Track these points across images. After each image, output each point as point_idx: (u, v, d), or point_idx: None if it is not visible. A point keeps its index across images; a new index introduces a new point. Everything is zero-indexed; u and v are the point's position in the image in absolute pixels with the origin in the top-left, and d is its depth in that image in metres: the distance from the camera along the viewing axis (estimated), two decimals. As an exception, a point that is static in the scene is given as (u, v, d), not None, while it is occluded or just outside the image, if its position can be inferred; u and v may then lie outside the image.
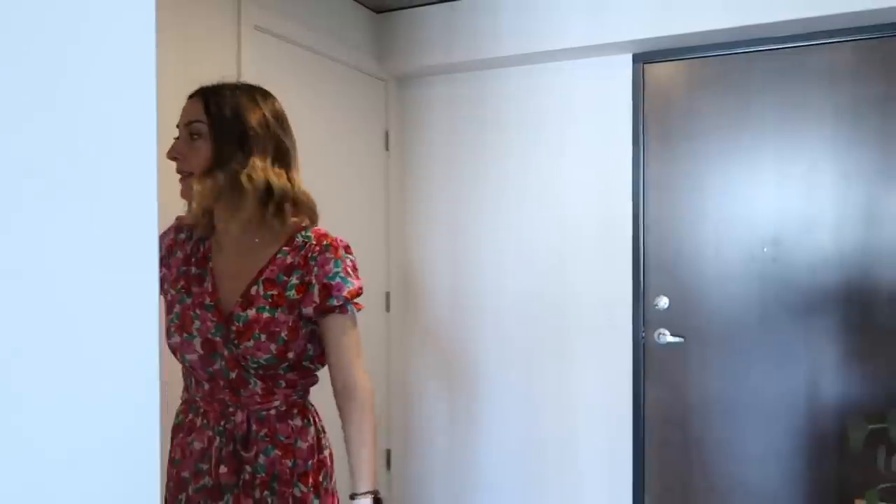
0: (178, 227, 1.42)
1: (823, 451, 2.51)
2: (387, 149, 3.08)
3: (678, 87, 2.71)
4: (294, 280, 1.31)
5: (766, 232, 2.57)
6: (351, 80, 2.84)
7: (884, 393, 2.41)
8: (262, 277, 1.32)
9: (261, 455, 1.31)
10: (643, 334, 2.76)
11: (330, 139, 2.71)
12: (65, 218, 0.43)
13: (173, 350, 1.34)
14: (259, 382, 1.31)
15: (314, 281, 1.31)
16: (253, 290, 1.31)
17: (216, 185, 1.26)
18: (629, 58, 2.74)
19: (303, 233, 1.35)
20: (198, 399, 1.35)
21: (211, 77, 2.17)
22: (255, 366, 1.29)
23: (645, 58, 2.73)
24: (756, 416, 2.60)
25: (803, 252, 2.52)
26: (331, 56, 2.69)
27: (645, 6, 2.55)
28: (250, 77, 2.25)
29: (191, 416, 1.35)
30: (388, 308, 3.12)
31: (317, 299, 1.30)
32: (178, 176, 1.31)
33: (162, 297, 1.40)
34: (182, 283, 1.35)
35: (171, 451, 1.40)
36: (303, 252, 1.33)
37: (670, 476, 2.74)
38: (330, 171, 2.71)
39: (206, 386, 1.33)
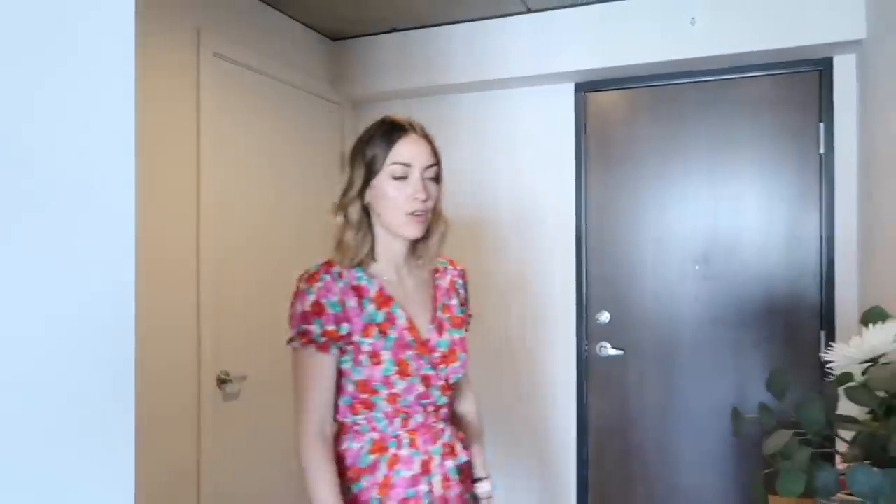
0: (331, 275, 1.34)
1: (749, 453, 2.68)
2: (342, 170, 3.19)
3: (618, 115, 2.89)
4: (454, 301, 1.48)
5: (698, 250, 2.76)
6: (307, 104, 2.95)
7: (804, 400, 2.59)
8: (439, 302, 1.45)
9: (463, 460, 1.44)
10: (586, 348, 2.91)
11: (287, 160, 2.82)
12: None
13: (391, 399, 1.33)
14: (449, 396, 1.45)
15: (463, 301, 1.51)
16: (438, 315, 1.43)
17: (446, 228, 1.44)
18: (572, 86, 2.91)
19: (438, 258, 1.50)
20: (400, 433, 1.35)
21: (172, 102, 2.30)
22: (452, 383, 1.43)
23: (586, 87, 2.91)
24: (690, 423, 2.76)
25: (731, 269, 2.71)
26: (288, 81, 2.80)
27: (585, 40, 2.73)
28: (209, 102, 2.35)
29: (391, 451, 1.34)
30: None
31: (466, 318, 1.52)
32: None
33: (336, 354, 1.34)
34: (375, 329, 1.33)
35: (360, 493, 1.34)
36: (448, 276, 1.50)
37: (613, 481, 2.88)
38: (287, 191, 2.80)
39: (420, 418, 1.37)
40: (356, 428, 1.35)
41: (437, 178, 1.39)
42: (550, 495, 2.93)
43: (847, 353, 1.13)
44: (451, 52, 2.95)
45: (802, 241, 2.63)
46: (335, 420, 1.37)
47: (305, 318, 1.30)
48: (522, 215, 2.99)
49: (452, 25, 2.93)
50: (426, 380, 1.36)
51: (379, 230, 1.38)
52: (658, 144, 2.82)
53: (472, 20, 2.89)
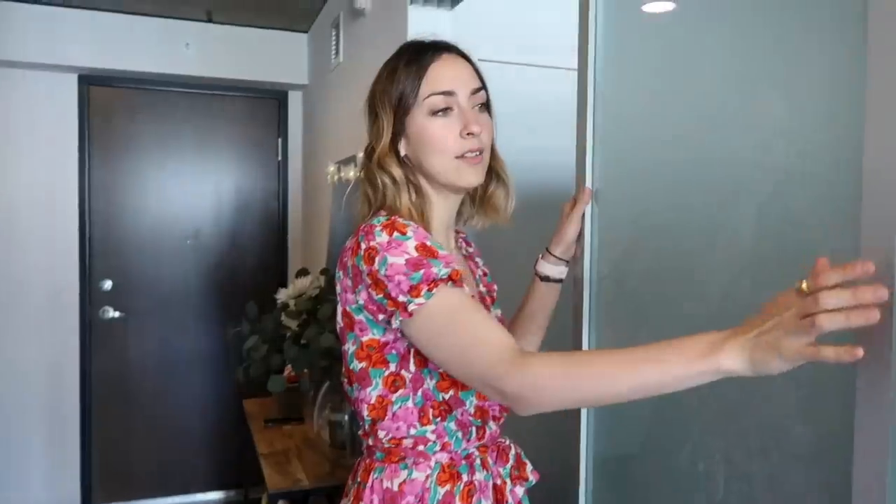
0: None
1: (228, 386, 3.54)
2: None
3: (121, 109, 3.34)
4: (481, 270, 1.22)
5: (189, 227, 3.45)
6: None
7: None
8: (478, 272, 1.19)
9: (534, 483, 1.14)
10: (90, 313, 3.29)
11: None
12: None
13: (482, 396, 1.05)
14: None
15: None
16: (481, 290, 1.17)
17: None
18: (76, 78, 3.22)
19: None
20: (472, 451, 1.03)
21: None
22: None
23: (90, 80, 3.25)
24: (189, 369, 3.45)
25: (215, 242, 3.50)
26: None
27: (90, 40, 3.09)
28: None
29: (464, 477, 1.00)
30: None
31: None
32: (467, 156, 1.01)
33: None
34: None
35: None
36: (460, 239, 1.20)
37: (114, 424, 3.37)
38: None
39: (493, 426, 1.06)
40: (419, 448, 1.00)
41: (487, 106, 1.06)
42: (58, 442, 3.24)
43: (287, 292, 2.05)
44: (-60, 22, 2.88)
45: (268, 219, 3.60)
46: (385, 441, 1.00)
47: (416, 264, 0.91)
48: (22, 194, 3.15)
49: (-58, -4, 2.87)
50: None
51: (426, 187, 1.04)
52: (157, 139, 3.39)
53: (-32, -4, 2.90)
